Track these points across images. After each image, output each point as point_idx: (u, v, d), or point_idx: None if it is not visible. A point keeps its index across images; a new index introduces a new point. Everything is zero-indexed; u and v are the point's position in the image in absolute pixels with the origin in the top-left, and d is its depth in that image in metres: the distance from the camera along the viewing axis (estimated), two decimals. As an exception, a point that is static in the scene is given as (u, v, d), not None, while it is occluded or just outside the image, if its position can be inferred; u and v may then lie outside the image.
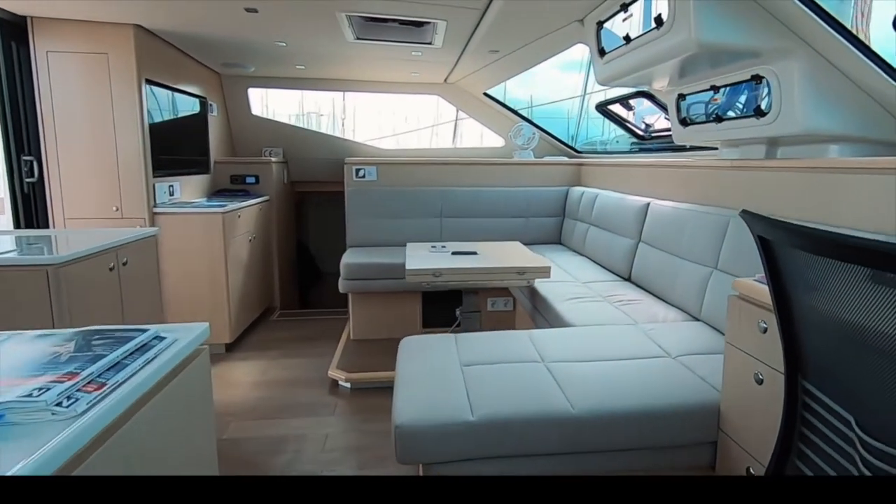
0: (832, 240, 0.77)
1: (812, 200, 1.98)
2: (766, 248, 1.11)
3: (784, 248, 1.05)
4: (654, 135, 3.87)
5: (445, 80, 4.67)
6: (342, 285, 3.59)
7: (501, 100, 4.96)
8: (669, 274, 2.60)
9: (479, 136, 5.60)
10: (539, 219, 4.35)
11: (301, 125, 6.67)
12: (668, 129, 3.84)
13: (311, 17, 2.97)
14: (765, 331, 1.34)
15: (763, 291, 1.32)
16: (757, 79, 2.13)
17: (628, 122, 3.99)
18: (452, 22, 2.98)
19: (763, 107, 2.17)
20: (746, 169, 2.36)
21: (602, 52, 2.60)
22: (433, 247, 3.03)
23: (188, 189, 3.94)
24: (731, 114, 2.46)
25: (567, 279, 3.10)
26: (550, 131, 4.94)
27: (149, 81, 3.33)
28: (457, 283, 2.58)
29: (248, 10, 2.85)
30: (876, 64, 1.80)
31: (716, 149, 2.83)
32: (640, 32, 2.18)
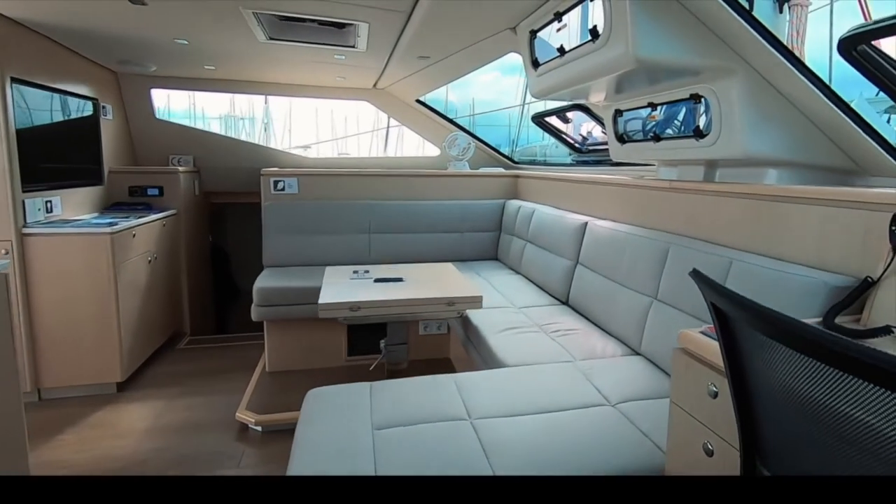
0: (790, 328, 0.68)
1: (753, 229, 1.88)
2: (720, 316, 0.94)
3: (740, 322, 0.88)
4: (590, 147, 3.78)
5: (375, 86, 4.40)
6: (255, 312, 3.23)
7: (442, 106, 4.76)
8: (608, 300, 2.46)
9: (419, 145, 5.38)
10: (475, 234, 4.17)
11: (226, 129, 6.18)
12: (606, 143, 3.79)
13: (211, 13, 2.63)
14: (715, 395, 1.18)
15: (713, 349, 1.16)
16: (696, 98, 2.02)
17: (565, 134, 3.88)
18: (376, 25, 2.73)
19: (702, 127, 2.07)
20: (685, 192, 2.25)
21: (536, 64, 2.43)
22: (355, 273, 2.75)
23: (73, 204, 3.44)
24: (669, 132, 2.36)
25: (502, 304, 2.92)
26: (488, 141, 4.79)
27: (17, 80, 2.86)
28: (378, 318, 2.32)
29: (133, 1, 2.48)
30: (815, 85, 1.71)
31: (654, 164, 2.74)
32: (575, 44, 2.01)
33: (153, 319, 3.63)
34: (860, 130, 1.74)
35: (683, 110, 2.32)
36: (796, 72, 1.70)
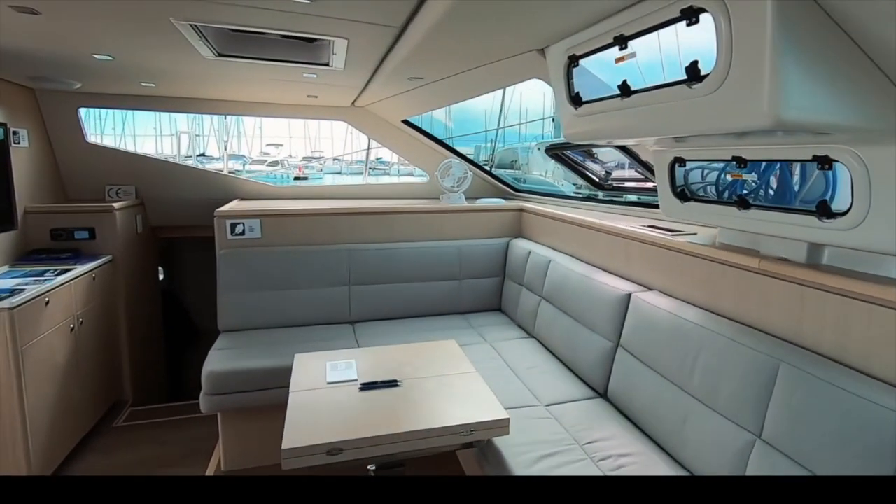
0: None
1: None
2: None
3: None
4: (615, 185, 3.17)
5: (353, 104, 3.71)
6: (206, 403, 2.53)
7: (439, 124, 4.09)
8: (671, 409, 1.85)
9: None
10: (474, 280, 3.52)
11: (174, 148, 5.40)
12: (633, 180, 3.17)
13: (133, 24, 1.92)
14: None
15: None
16: (824, 162, 1.41)
17: (584, 167, 3.26)
18: (357, 42, 2.06)
19: (831, 203, 1.46)
20: (784, 280, 1.65)
21: (576, 100, 1.79)
22: (333, 367, 2.08)
23: (-33, 262, 2.68)
24: (754, 195, 1.75)
25: (524, 399, 2.28)
26: (472, 158, 4.16)
27: None
28: (369, 459, 1.65)
29: (20, 9, 1.76)
30: None
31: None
32: (654, 83, 1.38)
33: (80, 400, 2.91)
34: None
35: (777, 169, 1.72)
36: None
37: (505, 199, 4.08)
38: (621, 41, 1.47)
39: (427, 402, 1.82)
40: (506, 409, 2.08)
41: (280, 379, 2.46)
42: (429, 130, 4.01)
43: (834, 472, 1.32)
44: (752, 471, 1.52)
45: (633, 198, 3.12)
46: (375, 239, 3.41)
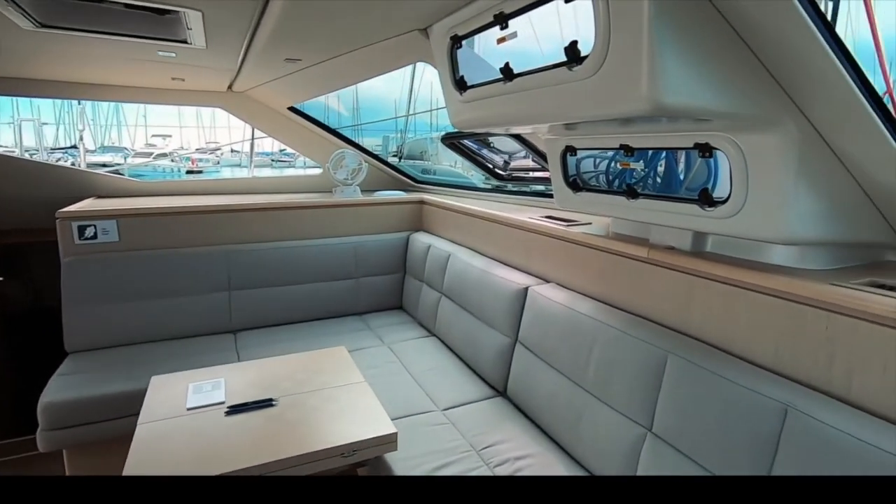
0: None
1: (810, 349, 1.31)
2: None
3: None
4: (514, 174, 3.13)
5: (230, 89, 3.36)
6: (43, 440, 2.15)
7: (328, 110, 3.81)
8: (568, 407, 1.81)
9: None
10: (373, 279, 3.35)
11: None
12: (535, 170, 3.15)
13: None
14: None
15: None
16: (704, 149, 1.40)
17: (482, 157, 3.19)
18: (212, 14, 1.80)
19: (713, 191, 1.46)
20: (674, 269, 1.65)
21: (461, 84, 1.67)
22: (196, 389, 1.82)
23: None
24: (643, 184, 1.74)
25: (420, 405, 2.16)
26: (377, 152, 3.98)
27: None
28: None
29: None
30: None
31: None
32: (535, 66, 1.29)
33: None
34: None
35: (664, 157, 1.72)
36: (879, 123, 1.13)
37: (405, 191, 3.93)
38: (501, 19, 1.36)
39: (305, 423, 1.63)
40: (399, 417, 1.96)
41: (140, 405, 2.14)
42: (332, 120, 3.75)
43: (719, 463, 1.32)
44: (644, 465, 1.51)
45: (540, 188, 3.09)
46: (260, 238, 3.12)
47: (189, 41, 2.15)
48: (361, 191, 3.59)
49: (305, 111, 3.67)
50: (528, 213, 2.55)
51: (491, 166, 3.25)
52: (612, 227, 2.06)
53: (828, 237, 1.40)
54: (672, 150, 1.63)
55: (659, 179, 1.83)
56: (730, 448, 1.29)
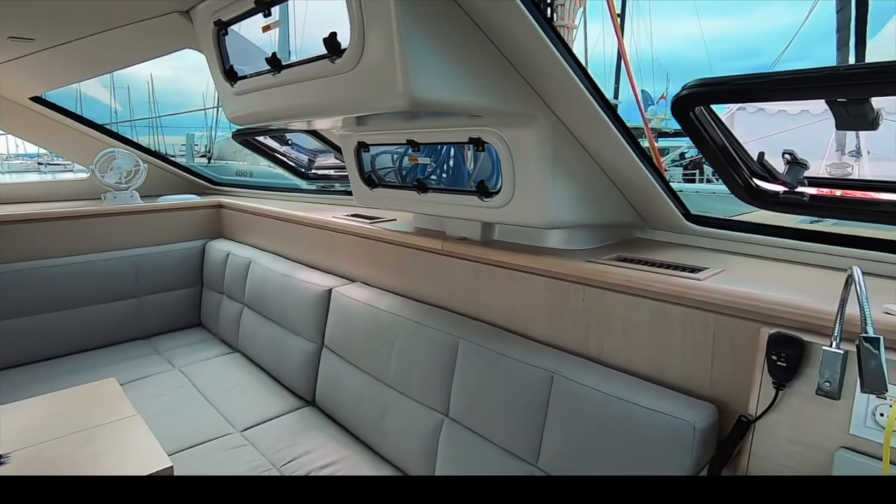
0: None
1: (572, 322, 1.50)
2: None
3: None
4: (319, 173, 3.06)
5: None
6: None
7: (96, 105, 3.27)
8: (372, 405, 1.83)
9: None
10: (161, 296, 3.00)
11: None
12: (338, 167, 3.11)
13: None
14: None
15: None
16: (478, 144, 1.52)
17: (281, 154, 3.05)
18: None
19: (490, 184, 1.58)
20: (464, 259, 1.77)
21: (231, 75, 1.56)
22: None
23: None
24: (433, 178, 1.83)
25: (215, 428, 1.99)
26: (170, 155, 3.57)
27: None
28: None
29: None
30: (624, 137, 1.39)
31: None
32: (302, 57, 1.26)
33: None
34: (659, 188, 1.51)
35: (452, 153, 1.82)
36: (608, 121, 1.33)
37: (200, 195, 3.59)
38: (263, 6, 1.31)
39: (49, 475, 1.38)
40: (187, 448, 1.79)
41: None
42: (100, 114, 3.22)
43: (502, 435, 1.45)
44: (442, 450, 1.59)
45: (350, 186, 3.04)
46: (15, 257, 2.59)
47: None
48: (142, 196, 3.18)
49: (61, 103, 3.12)
50: (336, 212, 2.52)
51: (294, 165, 3.13)
52: (414, 222, 2.13)
53: (584, 220, 1.63)
54: (457, 146, 1.74)
55: (447, 174, 1.94)
56: (511, 418, 1.42)
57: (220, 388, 2.27)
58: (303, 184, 3.23)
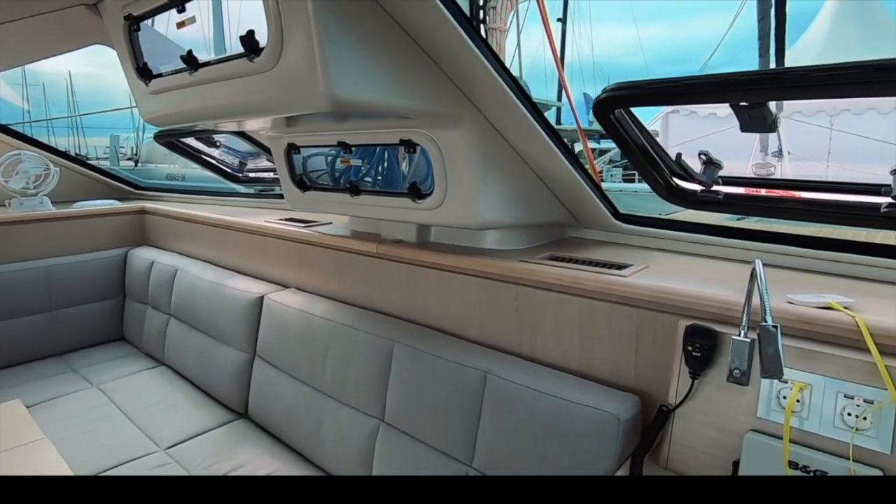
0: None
1: (505, 321, 1.53)
2: None
3: None
4: (252, 175, 2.98)
5: None
6: None
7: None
8: (308, 412, 1.80)
9: None
10: (77, 309, 2.83)
11: None
12: (271, 169, 3.03)
13: None
14: None
15: None
16: (409, 146, 1.52)
17: (209, 156, 2.95)
18: None
19: (422, 186, 1.59)
20: (400, 262, 1.78)
21: (145, 72, 1.50)
22: None
23: None
24: (367, 180, 1.82)
25: (135, 447, 1.89)
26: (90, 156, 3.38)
27: None
28: None
29: None
30: (550, 137, 1.43)
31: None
32: (220, 55, 1.22)
33: None
34: (588, 188, 1.57)
35: (387, 154, 1.82)
36: (534, 122, 1.37)
37: (121, 200, 3.41)
38: (177, 2, 1.26)
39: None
40: (104, 471, 1.70)
41: None
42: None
43: (436, 436, 1.46)
44: (378, 456, 1.58)
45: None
46: None
47: None
48: (54, 202, 2.99)
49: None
50: (267, 217, 2.45)
51: (225, 168, 3.03)
52: (350, 225, 2.11)
53: (518, 220, 1.67)
54: (392, 147, 1.74)
55: (382, 176, 1.93)
56: (445, 419, 1.44)
57: (143, 405, 2.17)
58: (241, 187, 3.14)
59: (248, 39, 1.10)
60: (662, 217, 1.72)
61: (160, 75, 1.45)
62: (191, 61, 1.28)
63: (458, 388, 1.42)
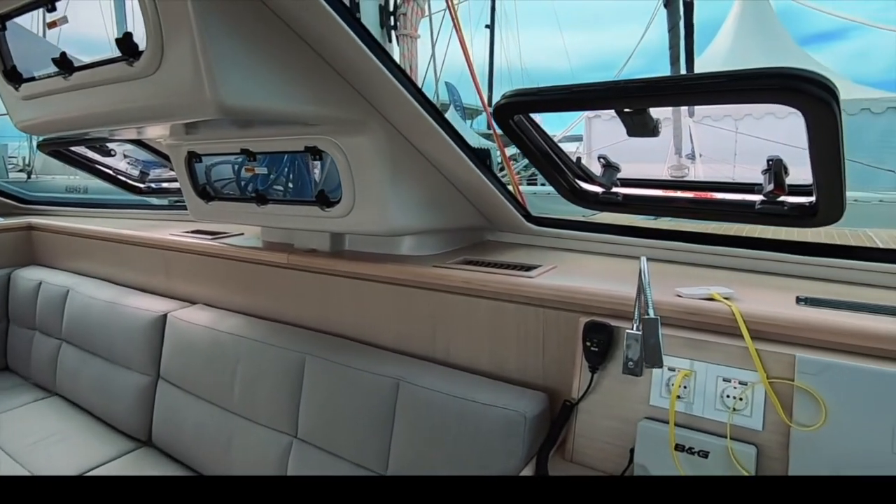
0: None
1: (419, 328, 1.56)
2: None
3: None
4: (155, 186, 2.83)
5: None
6: None
7: None
8: (217, 435, 1.74)
9: None
10: (-47, 338, 2.58)
11: None
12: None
13: None
14: None
15: None
16: (315, 153, 1.52)
17: (104, 166, 2.78)
18: None
19: (333, 194, 1.58)
20: (312, 272, 1.77)
21: (14, 76, 1.40)
22: None
23: None
24: (278, 188, 1.79)
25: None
26: None
27: None
28: None
29: None
30: (455, 142, 1.48)
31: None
32: (95, 59, 1.17)
33: None
34: (499, 192, 1.63)
35: (296, 162, 1.80)
36: (439, 128, 1.41)
37: (4, 216, 3.15)
38: (45, 1, 1.20)
39: None
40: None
41: None
42: None
43: (349, 448, 1.46)
44: (291, 473, 1.56)
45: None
46: None
47: None
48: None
49: None
50: (178, 229, 2.35)
51: (123, 178, 2.87)
52: (262, 235, 2.06)
53: (431, 225, 1.70)
54: (300, 155, 1.72)
55: (292, 184, 1.90)
56: (360, 430, 1.44)
57: (30, 441, 2.01)
58: (155, 199, 2.98)
59: (126, 41, 1.06)
60: (571, 218, 1.81)
61: (32, 79, 1.37)
62: (64, 64, 1.22)
63: (371, 397, 1.43)
